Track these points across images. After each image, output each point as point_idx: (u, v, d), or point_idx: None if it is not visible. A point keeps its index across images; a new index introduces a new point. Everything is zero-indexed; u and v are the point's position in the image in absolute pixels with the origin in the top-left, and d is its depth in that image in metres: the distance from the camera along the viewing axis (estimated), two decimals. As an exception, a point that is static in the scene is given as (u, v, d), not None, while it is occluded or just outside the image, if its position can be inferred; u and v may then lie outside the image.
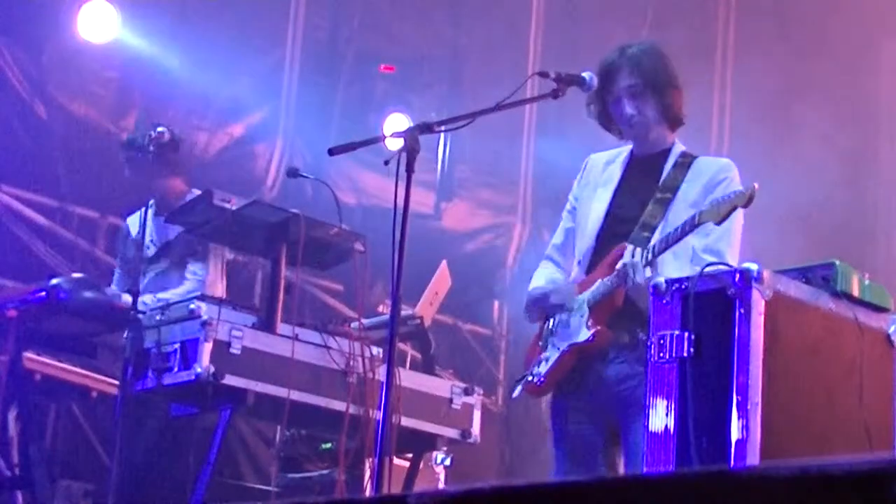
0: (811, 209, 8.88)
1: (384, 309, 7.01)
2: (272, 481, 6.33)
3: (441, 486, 6.34)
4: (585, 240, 4.23)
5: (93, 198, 7.82)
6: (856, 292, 3.72)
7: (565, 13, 10.10)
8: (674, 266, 3.92)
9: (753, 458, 3.30)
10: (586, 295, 4.11)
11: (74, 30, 7.75)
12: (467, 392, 5.47)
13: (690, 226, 3.88)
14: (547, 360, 4.17)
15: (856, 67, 9.80)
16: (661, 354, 3.53)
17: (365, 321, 5.21)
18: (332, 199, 5.33)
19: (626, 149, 4.34)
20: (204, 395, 4.90)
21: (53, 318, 5.30)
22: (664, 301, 3.58)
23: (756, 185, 3.80)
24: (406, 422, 5.15)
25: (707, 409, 3.42)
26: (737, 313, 3.42)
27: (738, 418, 3.34)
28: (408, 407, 5.15)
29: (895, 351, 3.78)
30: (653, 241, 4.00)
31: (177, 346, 4.86)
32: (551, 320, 4.21)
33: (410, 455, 5.69)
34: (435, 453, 6.22)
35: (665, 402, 3.50)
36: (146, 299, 5.57)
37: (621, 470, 4.08)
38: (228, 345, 4.83)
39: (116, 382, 5.44)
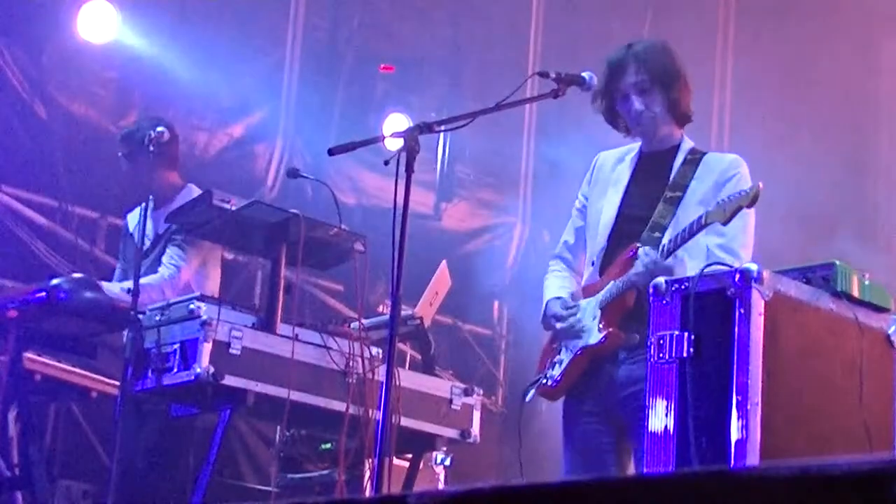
0: (811, 209, 8.88)
1: (384, 309, 7.01)
2: (272, 481, 6.33)
3: (441, 486, 6.34)
4: (598, 240, 4.23)
5: (93, 198, 7.82)
6: (856, 292, 3.72)
7: (565, 13, 10.09)
8: (690, 266, 3.92)
9: (753, 458, 3.30)
10: (598, 297, 4.11)
11: (74, 30, 7.75)
12: (467, 392, 5.46)
13: (698, 226, 3.88)
14: (560, 362, 4.18)
15: (856, 67, 9.81)
16: (661, 354, 3.53)
17: (365, 321, 5.21)
18: (332, 199, 5.33)
19: (634, 146, 4.33)
20: (204, 396, 4.90)
21: (53, 318, 5.29)
22: (664, 301, 3.58)
23: (761, 185, 3.81)
24: (406, 422, 5.14)
25: (707, 409, 3.42)
26: (737, 313, 3.42)
27: (738, 418, 3.34)
28: (408, 407, 5.15)
29: (895, 351, 3.78)
30: (663, 242, 3.99)
31: (176, 346, 4.86)
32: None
33: (410, 455, 5.68)
34: (435, 453, 6.22)
35: (665, 403, 3.50)
36: (123, 286, 5.58)
37: (631, 471, 4.07)
38: (228, 345, 4.82)
39: (116, 382, 5.44)
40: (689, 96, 4.27)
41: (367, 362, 5.04)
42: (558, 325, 4.20)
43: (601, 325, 4.07)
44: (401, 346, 7.06)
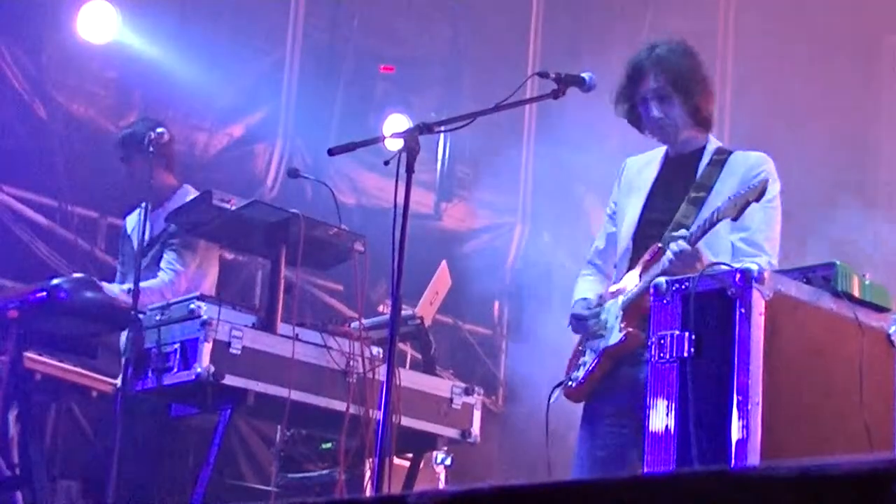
0: (812, 207, 8.88)
1: (384, 309, 7.01)
2: (272, 481, 6.33)
3: (441, 486, 6.34)
4: (622, 244, 4.23)
5: (93, 198, 7.82)
6: (856, 292, 3.72)
7: (565, 13, 10.10)
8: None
9: (753, 457, 3.30)
10: (621, 298, 4.11)
11: (74, 30, 7.75)
12: (467, 392, 5.47)
13: (710, 223, 3.86)
14: (584, 364, 4.18)
15: (859, 65, 9.80)
16: (662, 354, 3.53)
17: (365, 321, 5.21)
18: (331, 199, 5.33)
19: (661, 150, 4.32)
20: (204, 395, 4.90)
21: (53, 318, 5.29)
22: (664, 301, 3.58)
23: (767, 180, 3.81)
24: (406, 422, 5.14)
25: (707, 409, 3.41)
26: (737, 313, 3.42)
27: (739, 418, 3.34)
28: (408, 407, 5.15)
29: None
30: (686, 233, 3.96)
31: (177, 346, 4.86)
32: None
33: (410, 455, 5.69)
34: (435, 453, 6.22)
35: (665, 402, 3.50)
36: (123, 287, 5.58)
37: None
38: (228, 345, 4.82)
39: (116, 382, 5.44)
40: (710, 100, 4.23)
41: (367, 362, 5.04)
42: (579, 324, 4.20)
43: (622, 326, 4.07)
44: (401, 345, 7.07)
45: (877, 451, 3.51)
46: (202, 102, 8.44)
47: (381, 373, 4.83)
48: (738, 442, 3.33)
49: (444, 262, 6.30)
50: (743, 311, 3.41)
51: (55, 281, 5.31)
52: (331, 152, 4.31)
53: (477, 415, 5.49)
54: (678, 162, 4.25)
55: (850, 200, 8.94)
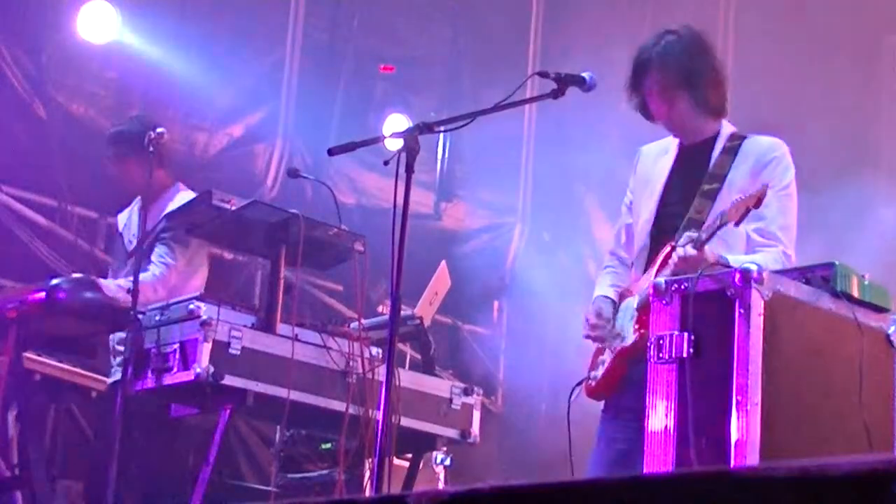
0: (813, 206, 8.87)
1: (384, 309, 7.01)
2: (272, 481, 6.33)
3: (441, 486, 6.34)
4: (640, 239, 4.21)
5: (93, 198, 7.82)
6: (856, 292, 3.72)
7: (565, 13, 10.09)
8: (731, 256, 3.88)
9: (753, 458, 3.30)
10: (636, 297, 4.10)
11: (74, 30, 7.75)
12: (467, 392, 5.46)
13: (715, 228, 3.84)
14: (603, 363, 4.17)
15: (859, 65, 9.80)
16: (661, 355, 3.53)
17: (365, 321, 5.21)
18: (331, 199, 5.33)
19: (676, 138, 4.31)
20: (203, 396, 4.90)
21: (53, 318, 5.29)
22: (664, 301, 3.58)
23: (766, 187, 3.79)
24: (406, 422, 5.14)
25: (707, 409, 3.41)
26: (736, 314, 3.42)
27: (738, 418, 3.34)
28: (407, 407, 5.15)
29: (895, 351, 3.78)
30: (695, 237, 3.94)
31: (176, 346, 4.86)
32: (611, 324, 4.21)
33: (410, 455, 5.68)
34: (435, 453, 6.22)
35: (665, 403, 3.50)
36: (117, 282, 5.58)
37: None
38: (228, 345, 4.82)
39: (108, 380, 5.44)
40: (721, 89, 4.20)
41: (367, 362, 5.04)
42: (591, 333, 4.19)
43: (636, 326, 4.06)
44: (401, 346, 7.07)
45: (876, 452, 3.51)
46: (202, 102, 8.44)
47: (381, 373, 4.83)
48: (737, 442, 3.33)
49: (443, 262, 6.30)
50: (742, 311, 3.41)
51: (54, 281, 5.30)
52: (331, 152, 4.31)
53: (476, 415, 5.49)
54: (692, 151, 4.22)
55: (850, 200, 8.94)
